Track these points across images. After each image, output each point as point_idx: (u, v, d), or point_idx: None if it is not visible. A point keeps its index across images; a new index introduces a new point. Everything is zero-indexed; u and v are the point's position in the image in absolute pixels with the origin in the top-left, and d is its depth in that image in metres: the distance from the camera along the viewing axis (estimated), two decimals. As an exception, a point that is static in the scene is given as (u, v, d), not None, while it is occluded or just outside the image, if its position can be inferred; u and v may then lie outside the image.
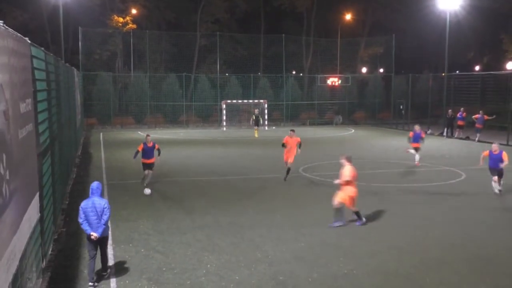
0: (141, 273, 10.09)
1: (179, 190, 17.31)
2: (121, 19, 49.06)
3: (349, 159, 13.25)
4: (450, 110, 35.81)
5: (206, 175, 20.73)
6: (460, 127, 34.59)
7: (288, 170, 19.19)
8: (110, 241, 11.87)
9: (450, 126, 35.42)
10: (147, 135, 18.14)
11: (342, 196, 13.03)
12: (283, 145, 19.17)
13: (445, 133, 35.88)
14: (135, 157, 17.61)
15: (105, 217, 9.16)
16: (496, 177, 16.61)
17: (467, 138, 33.64)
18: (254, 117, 37.08)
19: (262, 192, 17.56)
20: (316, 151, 27.50)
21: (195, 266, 10.48)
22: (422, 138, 22.96)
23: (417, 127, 23.47)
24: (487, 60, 58.11)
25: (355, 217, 13.29)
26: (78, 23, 42.27)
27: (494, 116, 32.97)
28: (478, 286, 9.49)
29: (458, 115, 34.72)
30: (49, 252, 10.52)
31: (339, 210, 13.13)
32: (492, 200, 16.16)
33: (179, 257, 10.96)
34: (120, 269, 10.26)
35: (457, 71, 46.32)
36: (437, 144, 31.64)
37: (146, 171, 17.40)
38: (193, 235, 12.33)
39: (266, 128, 39.94)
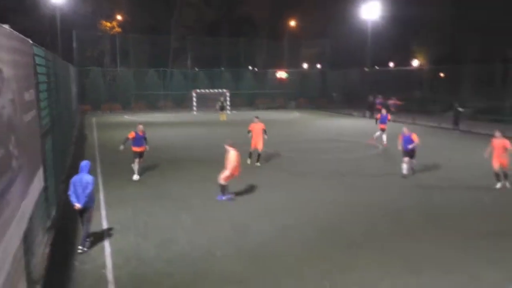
0: (130, 229, 10.02)
1: (160, 163, 17.09)
2: (108, 24, 48.03)
3: (232, 145, 12.10)
4: (370, 97, 36.59)
5: (183, 150, 20.57)
6: (379, 110, 35.36)
7: (258, 155, 16.67)
8: (102, 205, 11.77)
9: (370, 109, 36.15)
10: (139, 124, 15.13)
11: (227, 174, 11.86)
12: (249, 132, 16.67)
13: (367, 115, 36.63)
14: (124, 143, 14.65)
15: (87, 191, 8.62)
16: (407, 158, 14.56)
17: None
18: (220, 103, 36.98)
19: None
20: (268, 130, 27.62)
21: (174, 222, 10.48)
22: (388, 120, 21.69)
23: (384, 111, 22.19)
24: (399, 58, 59.32)
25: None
26: (73, 26, 41.05)
27: (403, 101, 33.86)
28: (393, 228, 9.87)
29: (376, 100, 35.50)
30: (53, 214, 10.29)
31: (226, 187, 12.00)
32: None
33: (161, 216, 10.92)
34: (111, 227, 10.15)
35: (376, 67, 47.24)
36: (360, 123, 32.34)
37: (137, 159, 14.60)
38: (172, 198, 12.29)
39: (229, 112, 39.83)
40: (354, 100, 41.54)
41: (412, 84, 35.98)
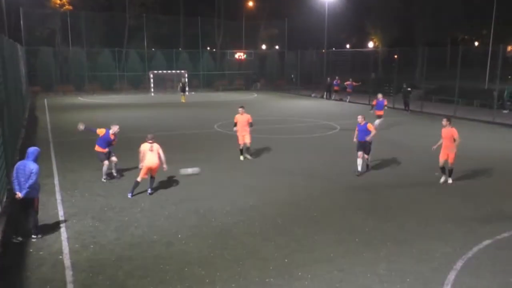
0: (87, 213, 9.77)
1: (116, 146, 16.65)
2: (57, 1, 45.40)
3: (152, 138, 10.96)
4: (328, 78, 37.07)
5: (139, 132, 20.09)
6: (335, 91, 35.91)
7: (247, 149, 14.80)
8: (57, 189, 11.38)
9: (328, 91, 36.65)
10: (115, 125, 12.19)
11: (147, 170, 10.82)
12: (235, 125, 14.61)
13: (325, 96, 37.13)
14: (86, 128, 12.16)
15: (30, 181, 8.01)
16: (360, 153, 12.75)
17: (341, 99, 35.05)
18: (181, 84, 36.29)
19: (186, 145, 17.42)
20: (228, 111, 27.56)
21: (132, 205, 10.29)
22: (385, 106, 20.24)
23: (380, 95, 20.46)
24: (355, 40, 60.29)
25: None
26: (19, 3, 38.74)
27: (359, 83, 34.51)
28: (350, 206, 10.15)
29: (334, 82, 36.00)
30: (4, 200, 9.85)
31: (137, 183, 10.88)
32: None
33: (118, 199, 10.70)
34: (68, 210, 9.86)
35: (334, 48, 47.80)
36: (318, 104, 32.78)
37: (106, 161, 11.99)
38: (129, 180, 12.03)
39: (187, 93, 39.27)
40: (312, 82, 41.96)
41: (369, 65, 36.68)
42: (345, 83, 34.68)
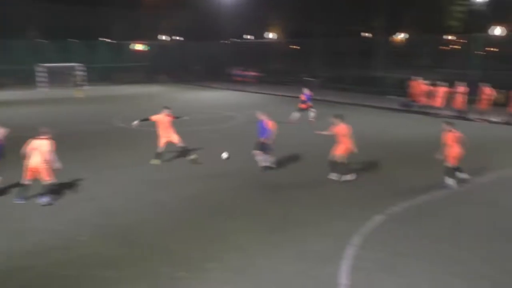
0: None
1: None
2: None
3: (45, 133, 10.14)
4: (230, 69, 37.46)
5: (28, 131, 18.61)
6: (238, 82, 36.41)
7: (183, 149, 13.53)
8: None
9: (230, 81, 37.02)
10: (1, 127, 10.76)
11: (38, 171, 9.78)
12: (143, 120, 13.26)
13: (227, 87, 37.45)
14: None
15: None
16: (258, 151, 12.23)
17: (243, 90, 35.63)
18: (76, 78, 34.06)
19: (83, 142, 16.50)
20: (129, 105, 26.65)
21: (29, 211, 9.54)
22: (311, 98, 20.43)
23: (306, 90, 20.44)
24: (256, 31, 61.43)
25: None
26: None
27: (262, 73, 35.39)
28: (256, 195, 10.43)
29: (236, 72, 36.49)
30: None
31: (27, 188, 9.93)
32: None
33: (13, 206, 9.85)
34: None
35: (235, 39, 48.32)
36: (219, 95, 32.98)
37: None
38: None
39: (83, 88, 37.09)
40: (214, 73, 42.04)
41: (270, 56, 37.72)
42: (247, 73, 35.33)
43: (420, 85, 23.41)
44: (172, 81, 45.22)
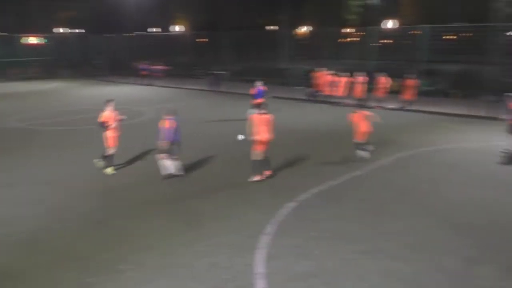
0: None
1: None
2: None
3: None
4: (135, 63, 36.19)
5: None
6: (144, 76, 35.31)
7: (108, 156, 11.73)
8: None
9: (136, 75, 35.75)
10: None
11: None
12: (105, 126, 11.55)
13: (133, 81, 36.16)
14: None
15: None
16: (164, 154, 10.96)
17: (150, 84, 34.64)
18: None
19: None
20: (26, 102, 24.64)
21: None
22: (265, 92, 18.44)
23: (259, 83, 18.44)
24: (162, 23, 60.04)
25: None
26: None
27: (170, 67, 34.70)
28: (159, 191, 10.25)
29: (142, 66, 35.37)
30: None
31: None
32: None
33: None
34: None
35: (140, 32, 46.74)
36: (126, 90, 31.82)
37: None
38: None
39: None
40: (120, 67, 40.37)
41: (177, 49, 37.07)
42: (154, 67, 34.41)
43: (324, 76, 24.51)
44: (74, 76, 42.61)
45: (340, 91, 23.46)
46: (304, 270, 6.84)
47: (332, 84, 23.91)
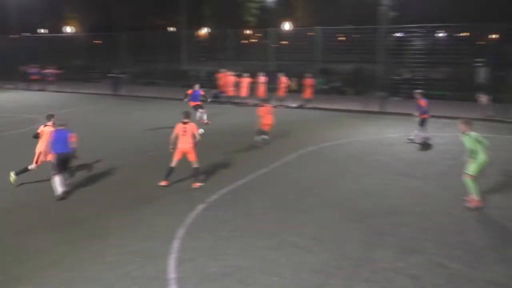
0: None
1: None
2: None
3: None
4: (23, 67, 33.48)
5: None
6: (34, 80, 32.85)
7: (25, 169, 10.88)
8: None
9: (26, 80, 33.16)
10: None
11: None
12: (37, 136, 10.82)
13: (21, 87, 33.41)
14: None
15: None
16: (56, 172, 9.85)
17: (42, 90, 32.31)
18: None
19: None
20: None
21: None
22: (202, 96, 18.41)
23: (197, 86, 18.52)
24: (51, 24, 56.17)
25: None
26: None
27: (63, 71, 32.64)
28: (49, 204, 9.66)
29: (31, 70, 32.86)
30: None
31: None
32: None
33: None
34: None
35: (27, 34, 43.21)
36: (15, 97, 29.35)
37: None
38: None
39: None
40: (6, 72, 36.98)
41: (70, 51, 34.93)
42: (45, 71, 32.14)
43: (227, 77, 24.79)
44: None
45: (243, 91, 23.91)
46: (217, 270, 6.88)
47: (236, 85, 24.28)
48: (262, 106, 14.92)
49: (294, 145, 14.83)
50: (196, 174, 10.74)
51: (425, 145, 14.58)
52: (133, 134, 16.85)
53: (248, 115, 15.05)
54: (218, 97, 25.60)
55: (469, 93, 21.17)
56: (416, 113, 15.07)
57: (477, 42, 30.08)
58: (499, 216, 8.91)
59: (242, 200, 9.86)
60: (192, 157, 10.60)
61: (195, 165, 10.67)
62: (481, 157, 9.04)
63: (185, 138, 10.47)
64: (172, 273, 6.78)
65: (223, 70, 25.42)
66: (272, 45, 29.15)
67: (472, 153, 9.09)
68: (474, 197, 9.23)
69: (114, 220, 8.85)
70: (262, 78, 23.62)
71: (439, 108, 18.84)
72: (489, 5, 33.30)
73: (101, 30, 41.36)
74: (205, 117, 18.43)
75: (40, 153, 10.73)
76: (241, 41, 44.24)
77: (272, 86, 23.60)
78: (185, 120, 10.65)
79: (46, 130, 10.67)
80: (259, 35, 46.94)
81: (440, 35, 32.79)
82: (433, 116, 16.06)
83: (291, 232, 8.20)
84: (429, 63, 23.64)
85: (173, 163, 10.61)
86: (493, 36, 27.29)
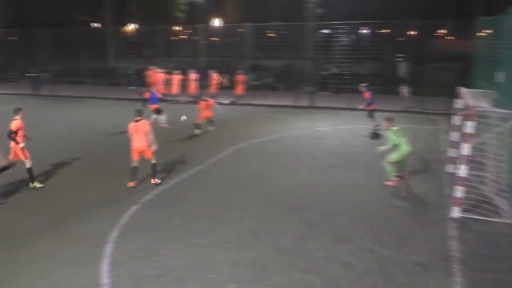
0: None
1: None
2: None
3: None
4: None
5: None
6: None
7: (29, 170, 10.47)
8: None
9: None
10: None
11: None
12: (14, 135, 10.18)
13: None
14: None
15: None
16: None
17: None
18: None
19: None
20: None
21: None
22: (160, 99, 17.54)
23: (154, 89, 18.06)
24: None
25: None
26: None
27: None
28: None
29: None
30: None
31: None
32: None
33: None
34: None
35: None
36: None
37: None
38: None
39: None
40: None
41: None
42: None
43: (157, 74, 24.27)
44: None
45: (174, 89, 23.56)
46: (152, 272, 6.77)
47: (166, 82, 23.86)
48: (204, 100, 16.07)
49: (227, 142, 14.89)
50: (154, 171, 10.71)
51: (375, 135, 15.28)
52: (60, 135, 16.05)
53: (180, 113, 14.85)
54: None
55: (392, 86, 22.40)
56: (362, 106, 15.89)
57: (398, 39, 31.85)
58: (420, 201, 9.56)
59: (176, 199, 9.75)
60: (148, 155, 10.50)
61: (153, 161, 10.63)
62: (404, 148, 10.15)
63: (138, 136, 10.31)
64: (105, 278, 6.58)
65: (152, 67, 24.86)
66: (202, 42, 28.96)
67: (396, 146, 10.15)
68: (392, 179, 10.48)
69: (44, 226, 8.39)
70: (193, 75, 23.42)
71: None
72: (410, 4, 35.30)
73: (17, 26, 38.72)
74: (163, 120, 17.30)
75: (24, 149, 10.43)
76: (170, 38, 43.50)
77: (203, 83, 23.47)
78: (137, 119, 10.41)
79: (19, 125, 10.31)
80: (189, 31, 46.44)
81: (364, 31, 34.32)
82: (360, 109, 16.83)
83: (227, 229, 8.25)
84: (354, 58, 24.67)
85: (134, 163, 10.50)
86: (412, 33, 29.09)
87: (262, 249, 7.46)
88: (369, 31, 33.55)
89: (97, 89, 28.16)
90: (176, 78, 23.61)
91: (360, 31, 33.92)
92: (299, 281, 6.47)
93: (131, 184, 10.49)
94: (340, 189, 10.32)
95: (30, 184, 10.54)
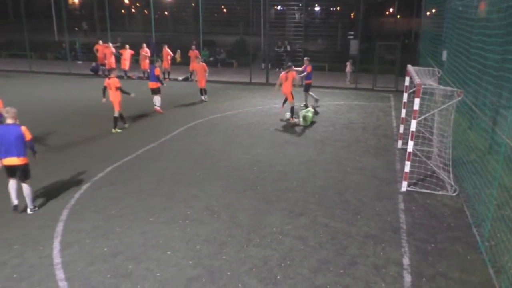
0: None
1: None
2: None
3: None
4: None
5: None
6: None
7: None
8: None
9: None
10: None
11: None
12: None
13: None
14: None
15: None
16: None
17: None
18: None
19: None
20: None
21: None
22: (157, 76, 15.60)
23: (157, 64, 16.52)
24: None
25: None
26: None
27: None
28: None
29: None
30: None
31: None
32: None
33: None
34: None
35: None
36: None
37: None
38: None
39: None
40: None
41: None
42: None
43: (106, 49, 23.34)
44: None
45: (125, 64, 22.79)
46: (107, 250, 6.63)
47: (116, 58, 23.03)
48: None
49: (181, 119, 14.67)
50: (116, 122, 12.99)
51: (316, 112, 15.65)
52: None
53: (132, 90, 14.42)
54: (97, 71, 24.11)
55: (344, 64, 22.77)
56: (300, 80, 16.16)
57: (348, 17, 32.30)
58: (372, 176, 9.88)
59: (130, 177, 9.54)
60: (116, 107, 12.94)
61: (116, 115, 12.98)
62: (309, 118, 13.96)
63: (111, 92, 12.78)
64: (57, 258, 6.38)
65: (101, 41, 23.84)
66: (153, 16, 28.02)
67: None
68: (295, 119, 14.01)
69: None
70: (145, 50, 22.72)
71: (318, 78, 20.01)
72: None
73: None
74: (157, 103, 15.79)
75: None
76: (120, 11, 41.86)
77: (155, 59, 22.84)
78: (110, 76, 12.96)
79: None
80: (138, 4, 44.85)
81: (316, 9, 34.48)
82: (313, 86, 17.03)
83: (183, 206, 8.19)
84: (307, 35, 24.80)
85: (116, 114, 13.02)
86: (361, 10, 29.52)
87: (218, 225, 7.47)
88: (319, 8, 33.72)
89: (40, 64, 26.78)
90: (127, 53, 22.81)
91: (311, 8, 34.00)
92: (256, 256, 6.55)
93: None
94: (294, 165, 10.47)
95: None
